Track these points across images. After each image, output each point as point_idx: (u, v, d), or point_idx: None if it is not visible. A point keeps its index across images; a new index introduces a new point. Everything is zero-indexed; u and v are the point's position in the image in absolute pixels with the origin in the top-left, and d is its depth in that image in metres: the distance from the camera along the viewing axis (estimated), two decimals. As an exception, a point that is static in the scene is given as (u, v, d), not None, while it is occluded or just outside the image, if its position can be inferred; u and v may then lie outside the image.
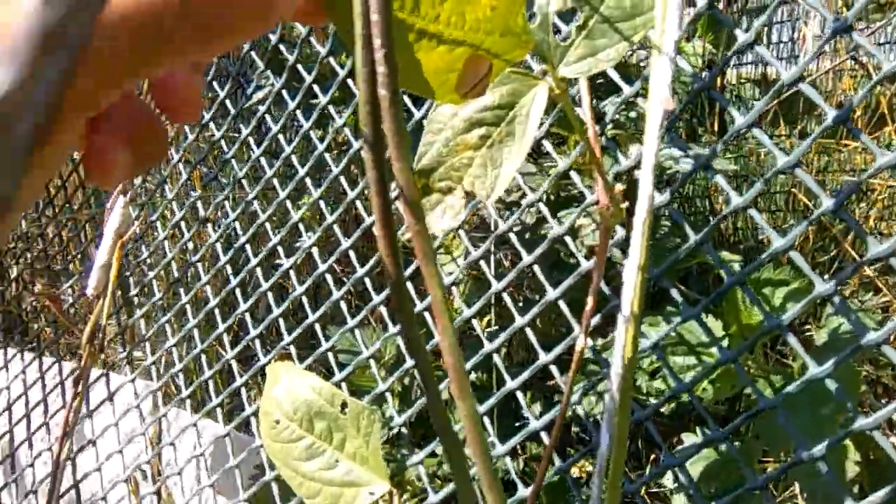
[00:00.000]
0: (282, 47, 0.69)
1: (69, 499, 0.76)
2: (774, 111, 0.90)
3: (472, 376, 0.74)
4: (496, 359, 0.52)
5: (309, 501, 0.53)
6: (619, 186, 0.46)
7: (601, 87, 0.76)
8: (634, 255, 0.32)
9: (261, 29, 0.22)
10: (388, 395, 0.58)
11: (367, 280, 0.61)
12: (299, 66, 0.67)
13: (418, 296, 0.58)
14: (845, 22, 0.36)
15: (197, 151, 0.86)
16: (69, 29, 0.09)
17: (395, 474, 0.70)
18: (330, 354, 0.62)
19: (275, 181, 0.68)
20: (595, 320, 0.48)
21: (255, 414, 0.64)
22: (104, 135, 0.24)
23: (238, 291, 0.70)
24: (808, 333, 0.72)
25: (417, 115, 0.58)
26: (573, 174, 0.49)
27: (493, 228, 0.92)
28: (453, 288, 0.58)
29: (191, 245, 0.75)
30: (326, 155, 0.64)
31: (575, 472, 0.93)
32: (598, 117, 0.53)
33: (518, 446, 0.57)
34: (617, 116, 0.53)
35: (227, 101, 0.73)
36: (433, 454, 0.55)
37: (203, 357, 0.70)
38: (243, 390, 0.65)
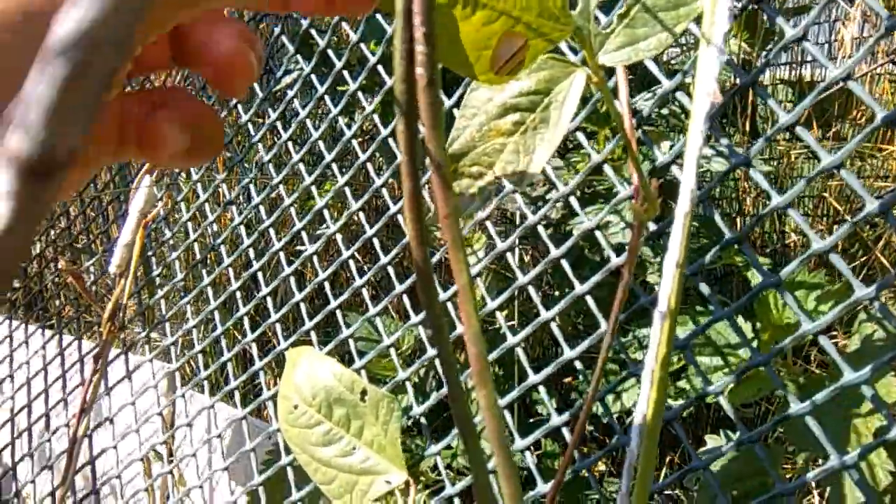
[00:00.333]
0: (313, 32, 0.69)
1: (84, 475, 0.77)
2: (808, 114, 0.88)
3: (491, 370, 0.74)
4: (519, 353, 0.51)
5: (324, 488, 0.52)
6: (655, 181, 0.45)
7: (631, 82, 0.75)
8: (673, 252, 0.31)
9: None
10: (407, 384, 0.58)
11: (389, 269, 0.61)
12: (329, 52, 0.67)
13: (441, 287, 0.58)
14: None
15: (235, 152, 0.86)
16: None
17: (412, 465, 0.70)
18: (350, 341, 0.62)
19: (301, 166, 0.68)
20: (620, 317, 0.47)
21: (272, 399, 0.64)
22: (159, 115, 0.24)
23: (260, 275, 0.70)
24: (833, 340, 0.71)
25: (449, 102, 0.57)
26: (607, 169, 0.48)
27: (517, 222, 0.91)
28: (478, 280, 0.58)
29: (214, 227, 0.75)
30: (354, 142, 0.64)
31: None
32: (632, 112, 0.52)
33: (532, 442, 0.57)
34: (644, 111, 0.52)
35: (255, 85, 0.73)
36: (449, 446, 0.55)
37: (223, 340, 0.70)
38: (261, 374, 0.65)
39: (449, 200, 0.20)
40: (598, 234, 0.49)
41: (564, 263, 0.49)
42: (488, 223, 0.56)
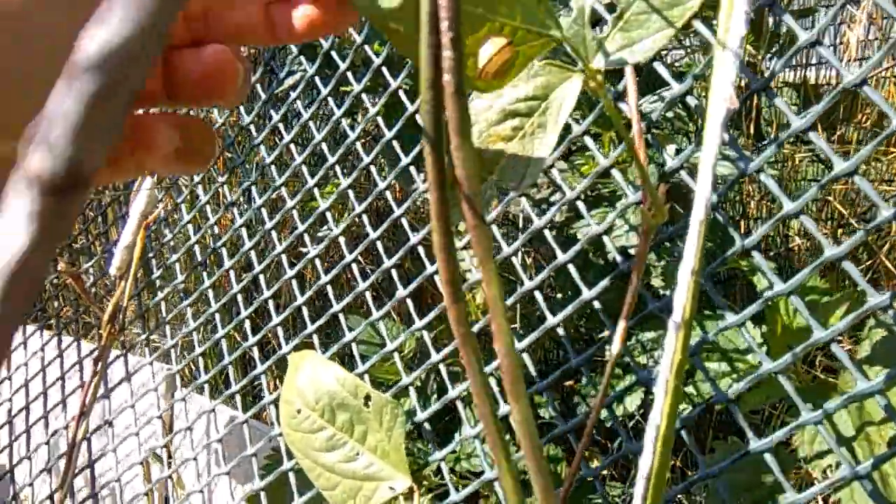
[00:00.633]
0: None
1: (83, 477, 0.76)
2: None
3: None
4: (526, 358, 0.51)
5: (327, 493, 0.52)
6: (663, 186, 0.45)
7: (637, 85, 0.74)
8: (689, 260, 0.30)
9: None
10: (410, 389, 0.57)
11: (392, 272, 0.60)
12: (333, 53, 0.66)
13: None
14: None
15: (225, 136, 0.86)
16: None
17: (416, 469, 0.69)
18: (353, 345, 0.61)
19: (303, 168, 0.67)
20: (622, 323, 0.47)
21: (273, 402, 0.63)
22: (150, 116, 0.25)
23: (261, 278, 0.69)
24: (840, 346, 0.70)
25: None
26: (615, 173, 0.48)
27: (519, 224, 0.91)
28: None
29: (215, 229, 0.74)
30: (358, 144, 0.63)
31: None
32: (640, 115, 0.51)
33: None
34: (653, 115, 0.51)
35: (258, 86, 0.72)
36: (454, 450, 0.54)
37: (224, 343, 0.69)
38: (263, 377, 0.65)
39: (477, 209, 0.19)
40: (605, 238, 0.48)
41: (572, 268, 0.48)
42: (494, 227, 0.55)
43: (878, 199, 0.36)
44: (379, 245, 0.61)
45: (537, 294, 0.51)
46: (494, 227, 0.56)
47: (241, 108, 0.75)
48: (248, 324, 0.68)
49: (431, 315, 0.56)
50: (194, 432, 0.70)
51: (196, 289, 0.74)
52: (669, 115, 0.72)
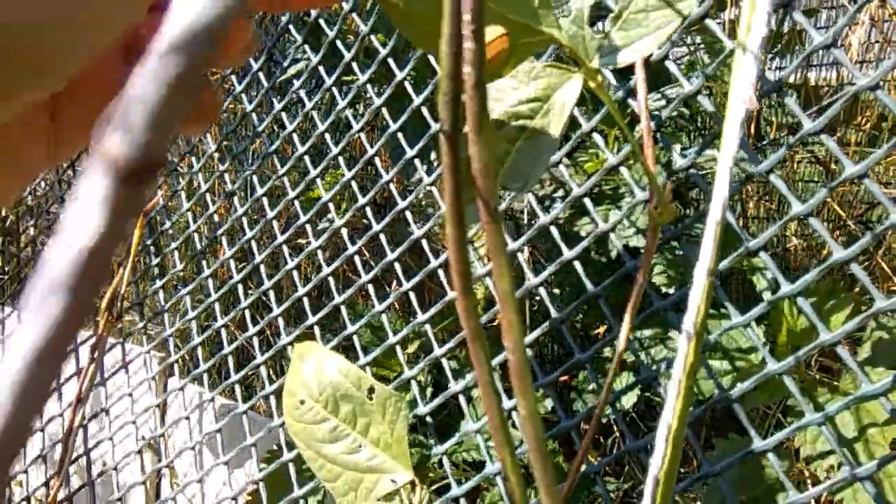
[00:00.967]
0: (321, 22, 0.68)
1: (77, 465, 0.76)
2: (812, 119, 0.88)
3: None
4: (529, 353, 0.51)
5: (328, 485, 0.52)
6: (670, 185, 0.45)
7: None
8: (704, 261, 0.31)
9: None
10: (413, 382, 0.57)
11: (396, 265, 0.60)
12: (338, 43, 0.66)
13: (450, 285, 0.57)
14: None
15: (226, 123, 0.85)
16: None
17: (418, 462, 0.70)
18: (355, 337, 0.61)
19: (306, 158, 0.67)
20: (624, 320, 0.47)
21: (273, 393, 0.63)
22: None
23: (262, 268, 0.69)
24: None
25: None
26: (623, 171, 0.48)
27: (523, 220, 0.91)
28: (487, 279, 0.57)
29: (215, 218, 0.74)
30: (362, 135, 0.63)
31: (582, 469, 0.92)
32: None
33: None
34: (658, 113, 0.51)
35: (261, 74, 0.72)
36: (459, 442, 0.54)
37: (223, 332, 0.69)
38: (263, 369, 0.64)
39: (492, 204, 0.19)
40: (611, 235, 0.48)
41: (577, 265, 0.49)
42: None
43: (888, 202, 0.36)
44: (382, 238, 0.61)
45: (541, 290, 0.51)
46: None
47: (244, 96, 0.74)
48: (247, 314, 0.67)
49: (434, 309, 0.56)
50: (191, 422, 0.70)
51: (195, 278, 0.73)
52: (673, 113, 0.72)
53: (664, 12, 0.34)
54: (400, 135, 0.61)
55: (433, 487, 0.72)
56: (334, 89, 0.66)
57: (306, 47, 0.70)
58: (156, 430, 0.73)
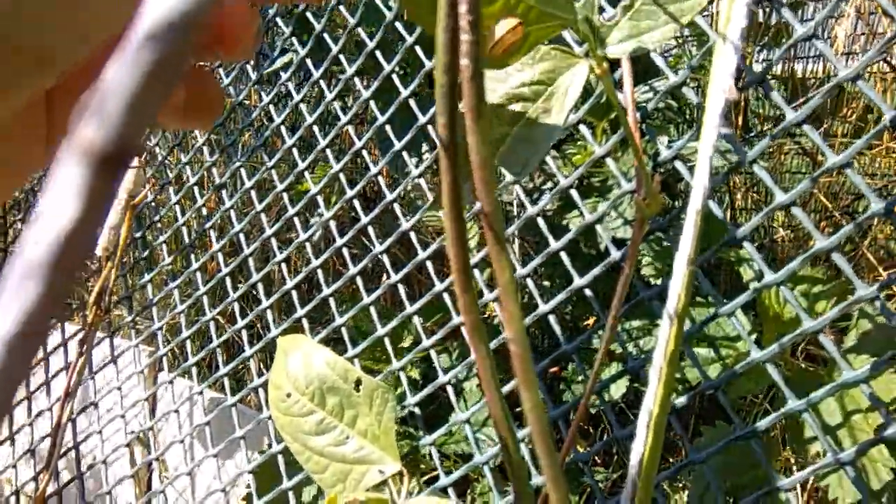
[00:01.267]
0: (308, 15, 0.68)
1: (66, 459, 0.76)
2: (796, 110, 0.89)
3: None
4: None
5: (316, 477, 0.52)
6: (658, 176, 0.45)
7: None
8: (685, 250, 0.31)
9: None
10: (401, 374, 0.57)
11: (384, 257, 0.60)
12: (325, 36, 0.66)
13: (438, 278, 0.57)
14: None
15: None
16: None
17: (408, 453, 0.70)
18: (343, 330, 0.61)
19: (294, 151, 0.67)
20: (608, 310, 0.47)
21: (261, 386, 0.63)
22: None
23: (250, 261, 0.69)
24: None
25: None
26: (609, 162, 0.48)
27: (514, 213, 0.91)
28: (475, 271, 0.57)
29: (203, 211, 0.74)
30: (350, 127, 0.63)
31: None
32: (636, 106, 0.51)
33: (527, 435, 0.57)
34: (644, 105, 0.52)
35: (248, 66, 0.71)
36: (451, 432, 0.54)
37: (212, 326, 0.69)
38: (253, 362, 0.64)
39: (492, 196, 0.19)
40: (598, 227, 0.48)
41: (564, 256, 0.49)
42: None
43: (869, 192, 0.37)
44: (371, 230, 0.61)
45: (529, 281, 0.51)
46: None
47: (231, 89, 0.74)
48: (236, 306, 0.67)
49: (423, 300, 0.56)
50: (179, 415, 0.70)
51: (183, 271, 0.73)
52: (660, 105, 0.72)
53: (675, 6, 0.33)
54: (388, 127, 0.61)
55: (423, 479, 0.72)
56: (322, 82, 0.66)
57: (294, 39, 0.69)
58: (145, 424, 0.73)
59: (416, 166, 0.59)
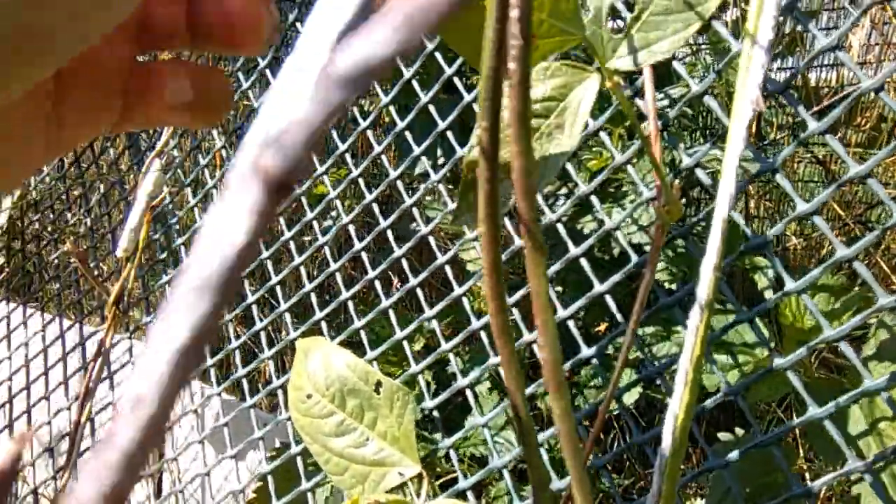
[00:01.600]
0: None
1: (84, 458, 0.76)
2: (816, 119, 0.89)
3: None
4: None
5: (335, 478, 0.52)
6: (677, 183, 0.45)
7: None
8: (711, 256, 0.31)
9: None
10: (420, 378, 0.58)
11: (404, 262, 0.61)
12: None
13: (457, 281, 0.58)
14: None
15: (235, 119, 0.86)
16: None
17: (425, 457, 0.70)
18: (362, 333, 0.62)
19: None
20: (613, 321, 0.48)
21: (279, 388, 0.64)
22: (164, 64, 0.23)
23: (269, 264, 0.69)
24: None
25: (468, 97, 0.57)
26: (630, 169, 0.49)
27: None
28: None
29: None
30: (369, 132, 0.64)
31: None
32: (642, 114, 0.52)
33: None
34: (666, 112, 0.52)
35: (268, 71, 0.72)
36: (466, 437, 0.55)
37: (230, 327, 0.70)
38: (272, 363, 0.65)
39: (533, 204, 0.20)
40: (618, 233, 0.49)
41: (584, 262, 0.49)
42: (506, 219, 0.56)
43: (890, 201, 0.37)
44: (389, 234, 0.62)
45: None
46: (507, 221, 0.56)
47: (250, 93, 0.75)
48: (254, 309, 0.68)
49: (442, 304, 0.57)
50: (187, 417, 0.70)
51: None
52: (673, 113, 0.73)
53: (684, 15, 0.34)
54: (408, 133, 0.62)
55: (438, 482, 0.72)
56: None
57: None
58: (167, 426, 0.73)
59: (435, 171, 0.59)
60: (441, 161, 0.79)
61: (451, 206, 0.58)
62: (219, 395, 0.68)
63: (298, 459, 0.60)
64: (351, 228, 0.65)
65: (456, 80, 0.60)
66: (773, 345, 0.41)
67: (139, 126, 0.24)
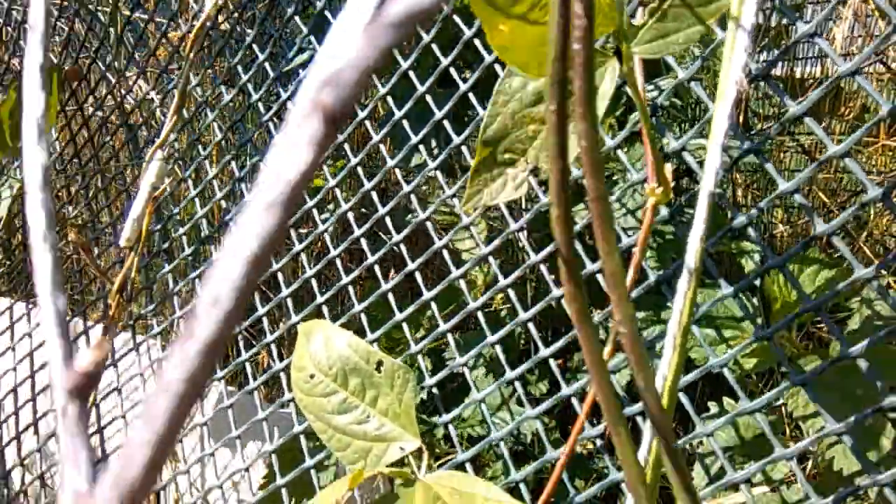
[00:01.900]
0: (328, 14, 0.70)
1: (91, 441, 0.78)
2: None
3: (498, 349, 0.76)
4: (532, 328, 0.54)
5: (339, 454, 0.54)
6: (670, 166, 0.48)
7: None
8: (698, 228, 0.33)
9: None
10: (420, 358, 0.60)
11: (402, 247, 0.62)
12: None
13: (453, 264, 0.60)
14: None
15: (233, 112, 0.87)
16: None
17: (425, 433, 0.72)
18: (362, 315, 0.63)
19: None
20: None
21: (281, 371, 0.66)
22: None
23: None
24: (822, 325, 0.75)
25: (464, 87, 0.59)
26: (621, 154, 0.51)
27: (523, 206, 0.94)
28: (490, 259, 0.60)
29: (224, 204, 0.76)
30: (367, 122, 0.66)
31: (579, 448, 0.95)
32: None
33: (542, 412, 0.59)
34: (655, 101, 0.54)
35: (267, 65, 0.74)
36: (462, 417, 0.57)
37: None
38: (275, 348, 0.67)
39: (601, 182, 0.20)
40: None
41: (578, 245, 0.51)
42: (502, 205, 0.58)
43: (866, 180, 0.39)
44: (388, 221, 0.63)
45: (543, 268, 0.54)
46: (502, 206, 0.58)
47: (250, 86, 0.76)
48: (256, 296, 0.70)
49: (440, 286, 0.59)
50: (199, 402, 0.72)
51: (202, 264, 0.76)
52: (665, 103, 0.75)
53: (702, 10, 0.36)
54: (405, 122, 0.64)
55: (438, 463, 0.74)
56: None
57: (311, 38, 0.72)
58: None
59: (433, 159, 0.61)
60: (435, 151, 0.80)
61: (449, 192, 0.60)
62: (221, 378, 0.70)
63: (302, 438, 0.62)
64: (351, 216, 0.66)
65: (452, 70, 0.62)
66: (759, 321, 0.43)
67: None
